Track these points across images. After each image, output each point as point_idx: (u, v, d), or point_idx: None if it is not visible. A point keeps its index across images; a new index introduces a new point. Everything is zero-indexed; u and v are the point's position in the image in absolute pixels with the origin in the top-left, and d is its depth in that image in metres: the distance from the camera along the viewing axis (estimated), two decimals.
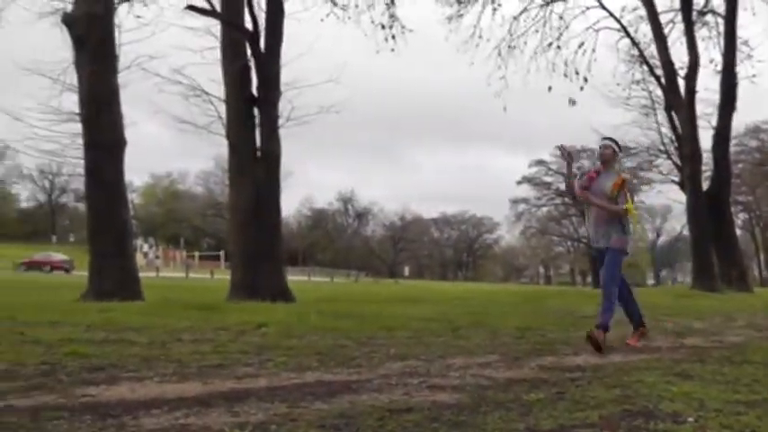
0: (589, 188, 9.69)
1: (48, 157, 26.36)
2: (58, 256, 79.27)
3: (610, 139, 9.90)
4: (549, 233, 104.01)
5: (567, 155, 10.40)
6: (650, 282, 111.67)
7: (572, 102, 29.95)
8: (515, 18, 30.70)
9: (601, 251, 9.71)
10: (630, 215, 9.53)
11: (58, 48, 20.82)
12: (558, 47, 31.05)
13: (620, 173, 9.72)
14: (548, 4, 31.96)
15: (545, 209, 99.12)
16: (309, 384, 6.40)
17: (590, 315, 15.42)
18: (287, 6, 21.17)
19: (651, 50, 36.02)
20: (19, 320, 11.04)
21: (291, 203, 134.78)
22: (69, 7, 19.53)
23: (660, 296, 26.59)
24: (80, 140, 19.83)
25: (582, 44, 31.74)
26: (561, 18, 31.70)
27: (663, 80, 35.47)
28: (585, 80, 30.75)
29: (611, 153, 9.72)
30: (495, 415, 5.18)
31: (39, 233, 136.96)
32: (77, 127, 20.20)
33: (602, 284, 9.71)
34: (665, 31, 34.45)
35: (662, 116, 43.29)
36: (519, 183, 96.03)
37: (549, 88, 29.47)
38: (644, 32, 35.58)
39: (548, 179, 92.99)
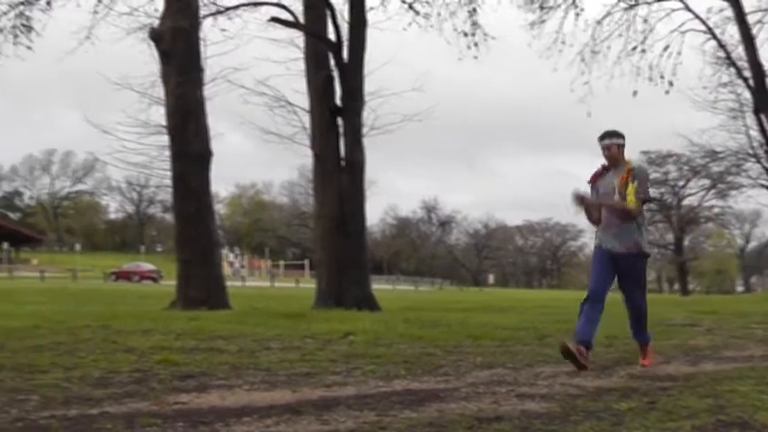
0: (596, 187, 8.64)
1: (136, 169, 26.84)
2: (147, 266, 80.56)
3: (609, 134, 8.54)
4: None
5: (579, 199, 8.69)
6: (740, 288, 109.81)
7: (635, 93, 29.39)
8: (599, 22, 30.30)
9: (612, 254, 8.44)
10: (630, 204, 8.28)
11: (146, 62, 21.20)
12: (643, 50, 30.52)
13: (628, 164, 8.47)
14: (632, 7, 31.51)
15: None
16: (397, 393, 6.40)
17: (680, 323, 15.23)
18: (369, 16, 21.24)
19: (739, 52, 35.29)
20: (111, 329, 11.23)
21: (376, 212, 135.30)
22: (156, 22, 19.86)
23: (750, 303, 26.08)
24: (167, 152, 20.16)
25: (667, 47, 31.18)
26: (645, 21, 31.18)
27: (751, 82, 34.70)
28: (671, 84, 30.19)
29: (616, 150, 8.49)
30: (585, 424, 5.13)
31: (127, 244, 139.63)
32: (165, 139, 20.57)
33: (634, 298, 8.63)
34: (754, 31, 33.73)
35: (750, 119, 42.38)
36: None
37: (635, 93, 29.06)
38: (731, 34, 34.86)
39: None
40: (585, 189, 8.63)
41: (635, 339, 8.87)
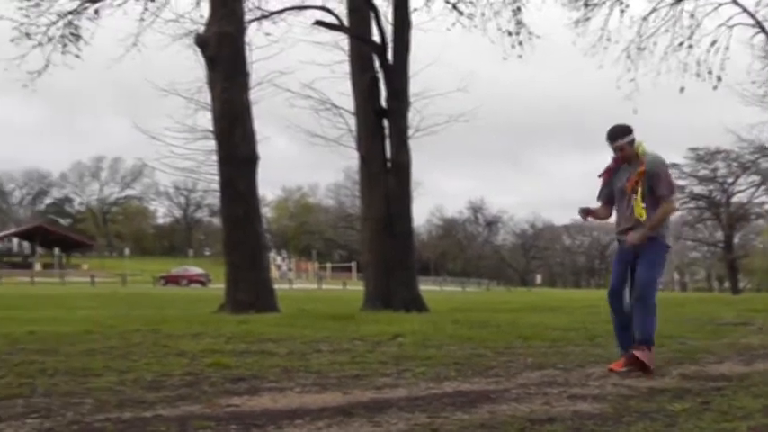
0: (610, 182, 8.20)
1: (183, 173, 27.15)
2: (195, 269, 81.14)
3: (618, 134, 7.96)
4: (683, 238, 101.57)
5: (584, 213, 8.45)
6: None
7: (682, 89, 28.99)
8: (644, 18, 29.98)
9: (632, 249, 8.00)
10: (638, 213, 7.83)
11: (192, 68, 21.36)
12: (690, 46, 30.13)
13: (642, 159, 7.88)
14: (678, 2, 31.16)
15: (679, 213, 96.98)
16: (448, 394, 6.39)
17: (731, 322, 15.06)
18: (413, 17, 21.26)
19: None
20: (162, 333, 11.33)
21: (422, 213, 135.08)
22: (202, 29, 20.00)
23: None
24: (214, 157, 20.30)
25: (714, 42, 30.77)
26: (692, 16, 30.81)
27: None
28: (719, 79, 29.79)
29: (629, 149, 7.95)
30: (639, 425, 5.09)
31: (176, 248, 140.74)
32: (212, 144, 20.72)
33: (641, 286, 7.87)
34: None
35: None
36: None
37: (682, 89, 28.70)
38: None
39: (681, 182, 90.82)
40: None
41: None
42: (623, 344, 8.07)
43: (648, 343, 7.80)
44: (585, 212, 8.39)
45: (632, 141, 7.96)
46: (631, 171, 7.96)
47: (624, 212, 8.08)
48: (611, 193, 8.29)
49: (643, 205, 7.84)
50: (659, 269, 8.08)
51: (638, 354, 7.64)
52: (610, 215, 8.45)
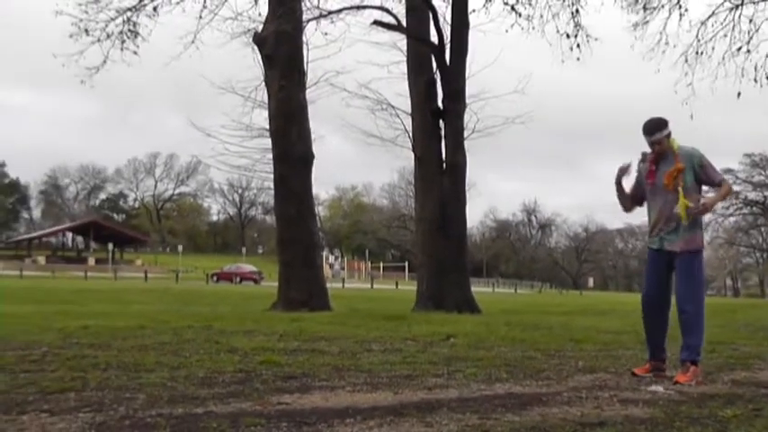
0: (654, 183, 7.78)
1: (238, 171, 27.23)
2: (248, 267, 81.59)
3: (655, 127, 7.64)
4: (737, 244, 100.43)
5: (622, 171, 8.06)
6: None
7: (739, 95, 28.55)
8: (703, 23, 29.69)
9: (662, 253, 7.80)
10: (680, 209, 7.52)
11: (250, 66, 21.45)
12: (748, 51, 29.76)
13: (677, 157, 7.60)
14: (737, 7, 30.83)
15: (732, 219, 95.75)
16: (500, 396, 6.35)
17: None
18: (471, 18, 21.20)
19: None
20: (214, 329, 11.41)
21: (475, 214, 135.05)
22: (260, 27, 20.09)
23: None
24: (269, 155, 20.39)
25: None
26: (751, 21, 30.44)
27: None
28: None
29: (667, 143, 7.66)
30: (690, 431, 5.03)
31: (229, 245, 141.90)
32: (267, 142, 20.80)
33: (683, 301, 7.58)
34: None
35: None
36: (705, 192, 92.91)
37: (739, 94, 28.33)
38: None
39: (736, 188, 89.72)
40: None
41: (681, 354, 7.63)
42: (654, 352, 7.87)
43: (695, 361, 7.46)
44: (623, 171, 8.02)
45: (669, 135, 7.68)
46: (666, 167, 7.68)
47: (664, 211, 7.73)
48: (640, 194, 8.07)
49: (688, 202, 7.54)
50: (699, 277, 7.79)
51: (681, 379, 7.27)
52: (632, 209, 8.24)
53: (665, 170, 7.66)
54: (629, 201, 8.17)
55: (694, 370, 7.37)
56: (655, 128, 7.65)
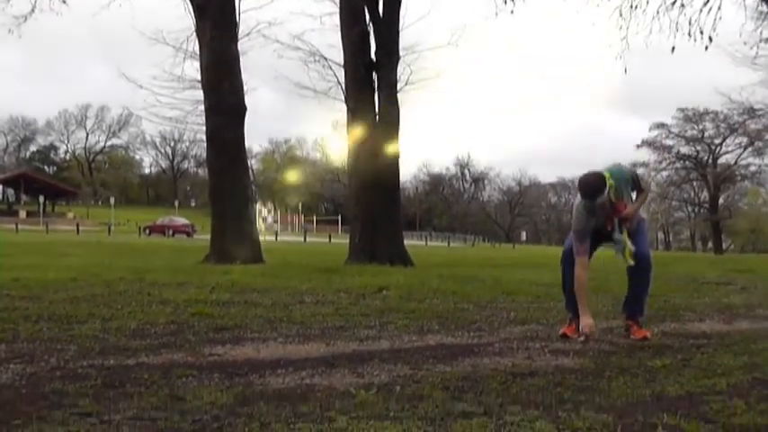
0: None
1: (170, 123, 26.99)
2: (181, 220, 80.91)
3: (596, 192, 7.06)
4: (668, 198, 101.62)
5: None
6: None
7: (673, 49, 28.71)
8: None
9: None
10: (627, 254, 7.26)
11: (181, 17, 21.20)
12: (682, 5, 29.97)
13: (616, 201, 7.15)
14: None
15: (665, 173, 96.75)
16: (431, 347, 6.43)
17: (714, 282, 15.15)
18: None
19: None
20: (146, 282, 11.36)
21: (408, 168, 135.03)
22: None
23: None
24: (202, 107, 20.21)
25: (707, 2, 30.64)
26: None
27: None
28: (710, 39, 29.66)
29: (610, 197, 7.12)
30: (620, 380, 5.12)
31: (161, 198, 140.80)
32: (199, 94, 20.60)
33: (648, 259, 7.39)
34: None
35: None
36: (638, 146, 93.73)
37: (673, 49, 28.50)
38: None
39: (669, 142, 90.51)
40: None
41: (628, 310, 7.51)
42: (573, 307, 7.39)
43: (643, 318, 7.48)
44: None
45: (611, 188, 7.10)
46: (607, 212, 7.26)
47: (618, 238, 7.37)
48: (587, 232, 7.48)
49: (630, 245, 7.26)
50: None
51: (648, 333, 7.25)
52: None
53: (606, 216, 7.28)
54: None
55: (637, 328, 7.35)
56: (597, 192, 7.08)
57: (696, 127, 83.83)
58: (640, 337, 7.17)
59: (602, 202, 7.05)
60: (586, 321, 6.94)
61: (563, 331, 7.37)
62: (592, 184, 7.09)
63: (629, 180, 7.44)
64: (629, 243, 7.25)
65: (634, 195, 7.52)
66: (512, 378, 5.12)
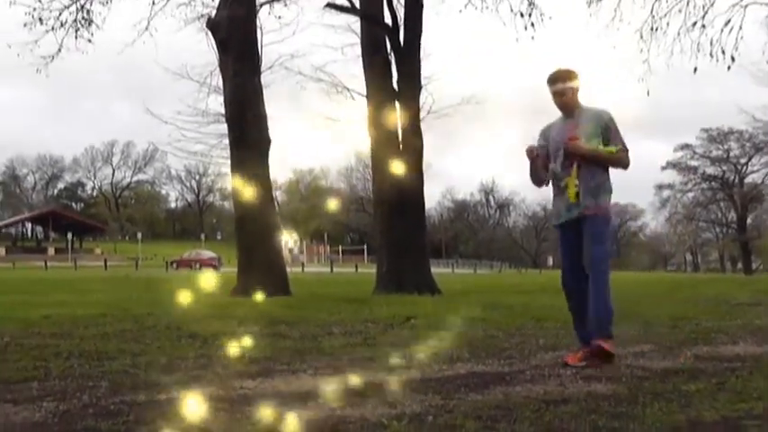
0: (545, 139, 7.30)
1: (195, 157, 27.17)
2: (207, 253, 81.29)
3: (561, 76, 6.95)
4: (696, 219, 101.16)
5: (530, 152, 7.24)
6: None
7: (695, 70, 28.66)
8: None
9: (570, 223, 7.07)
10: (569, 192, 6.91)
11: (204, 52, 21.39)
12: (703, 26, 29.92)
13: (586, 113, 7.01)
14: None
15: (691, 194, 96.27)
16: (462, 376, 6.39)
17: (745, 303, 15.04)
18: None
19: None
20: (175, 316, 11.38)
21: (433, 195, 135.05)
22: (213, 12, 19.99)
23: None
24: (226, 141, 20.33)
25: (728, 22, 30.55)
26: None
27: None
28: (733, 59, 29.57)
29: (570, 95, 6.99)
30: (654, 406, 5.06)
31: (188, 232, 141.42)
32: (223, 128, 20.76)
33: (596, 263, 6.90)
34: None
35: None
36: (663, 168, 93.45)
37: (695, 70, 28.45)
38: None
39: (694, 163, 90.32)
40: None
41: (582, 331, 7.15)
42: (583, 335, 7.12)
43: (607, 337, 6.87)
44: (530, 152, 7.26)
45: (576, 90, 7.00)
46: (572, 125, 7.01)
47: (559, 173, 7.10)
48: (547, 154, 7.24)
49: (576, 182, 6.88)
50: (607, 243, 7.13)
51: (605, 345, 6.80)
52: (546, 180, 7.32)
53: (570, 129, 7.01)
54: (545, 168, 7.28)
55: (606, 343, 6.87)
56: (560, 77, 6.97)
57: (721, 147, 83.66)
58: (570, 361, 6.84)
59: (562, 99, 6.97)
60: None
61: (566, 360, 6.99)
62: (558, 70, 7.02)
63: (599, 126, 6.99)
64: (575, 182, 6.87)
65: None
66: (545, 406, 5.08)
